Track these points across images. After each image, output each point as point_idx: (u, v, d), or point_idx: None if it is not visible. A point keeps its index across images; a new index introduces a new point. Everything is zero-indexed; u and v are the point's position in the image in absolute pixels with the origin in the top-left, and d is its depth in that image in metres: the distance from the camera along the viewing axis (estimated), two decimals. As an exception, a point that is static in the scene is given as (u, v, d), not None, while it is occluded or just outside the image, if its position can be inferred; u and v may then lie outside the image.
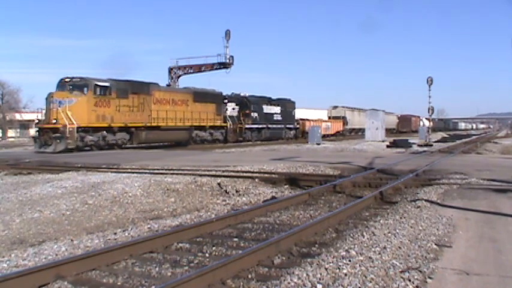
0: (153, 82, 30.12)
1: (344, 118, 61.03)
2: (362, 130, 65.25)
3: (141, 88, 28.52)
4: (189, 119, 31.90)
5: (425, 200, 8.53)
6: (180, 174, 12.88)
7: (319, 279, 4.40)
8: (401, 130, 75.67)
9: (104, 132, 25.73)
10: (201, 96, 33.58)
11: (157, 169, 14.41)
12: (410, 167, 14.09)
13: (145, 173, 13.53)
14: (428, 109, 35.89)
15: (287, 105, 46.19)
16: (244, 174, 13.07)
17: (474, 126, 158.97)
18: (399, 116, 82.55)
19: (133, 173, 13.54)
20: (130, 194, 10.22)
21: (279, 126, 43.91)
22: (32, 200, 9.56)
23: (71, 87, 24.82)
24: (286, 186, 11.76)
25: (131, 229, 7.27)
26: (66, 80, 25.18)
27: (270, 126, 42.10)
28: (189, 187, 11.25)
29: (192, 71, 44.76)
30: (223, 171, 13.59)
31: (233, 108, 38.43)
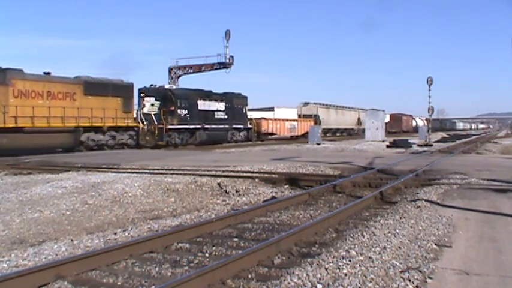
0: (14, 68, 22.42)
1: (316, 117, 52.31)
2: (340, 131, 58.66)
3: None
4: (75, 117, 24.23)
5: (425, 200, 8.53)
6: (180, 174, 12.88)
7: (319, 279, 4.40)
8: (391, 130, 68.32)
9: None
10: (97, 87, 25.75)
11: (157, 169, 14.41)
12: (410, 167, 14.09)
13: (145, 173, 13.53)
14: (429, 109, 35.90)
15: (235, 101, 37.39)
16: (244, 174, 13.07)
17: (474, 126, 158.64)
18: (389, 115, 74.85)
19: (133, 173, 13.55)
20: (130, 194, 10.22)
21: (223, 126, 35.45)
22: (32, 200, 9.57)
23: None
24: (286, 186, 11.76)
25: (131, 229, 7.27)
26: None
27: (208, 126, 33.63)
28: (189, 187, 11.25)
29: (192, 71, 44.91)
30: (223, 171, 13.59)
31: (152, 105, 30.73)
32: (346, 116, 62.21)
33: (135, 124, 28.33)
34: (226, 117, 35.92)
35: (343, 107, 63.10)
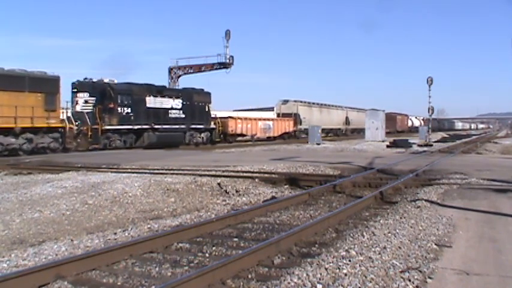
0: None
1: (296, 115, 48.21)
2: (326, 131, 52.27)
3: None
4: None
5: (425, 200, 8.53)
6: (180, 174, 12.88)
7: (319, 279, 4.40)
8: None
9: None
10: (8, 81, 21.25)
11: (157, 169, 14.41)
12: (410, 167, 14.09)
13: (145, 173, 13.53)
14: (428, 109, 35.97)
15: (195, 98, 32.95)
16: (244, 174, 13.07)
17: (473, 126, 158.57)
18: None
19: (133, 173, 13.54)
20: (130, 194, 10.22)
21: (178, 126, 31.04)
22: (32, 200, 9.56)
23: None
24: (286, 186, 11.76)
25: (131, 229, 7.27)
26: None
27: (159, 126, 29.40)
28: (189, 187, 11.25)
29: (192, 71, 44.85)
30: (223, 171, 13.59)
31: (86, 101, 26.27)
32: (332, 115, 57.78)
33: (59, 125, 23.77)
34: (183, 116, 31.60)
35: (328, 105, 58.60)
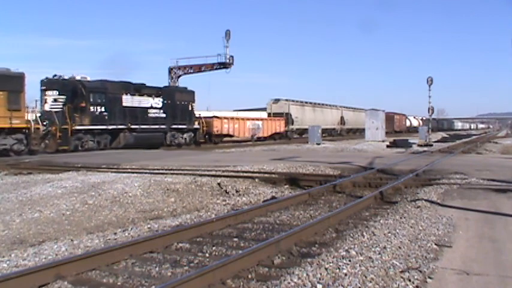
0: None
1: (288, 115, 46.59)
2: None
3: None
4: None
5: (426, 200, 8.53)
6: (180, 174, 12.88)
7: (319, 279, 4.40)
8: None
9: None
10: None
11: (157, 169, 14.41)
12: (411, 167, 14.09)
13: (145, 173, 13.53)
14: (429, 109, 36.00)
15: (177, 97, 31.58)
16: (244, 174, 13.07)
17: (473, 126, 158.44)
18: None
19: (133, 173, 13.55)
20: (130, 194, 10.22)
21: (158, 126, 29.70)
22: (32, 200, 9.57)
23: None
24: (286, 186, 11.76)
25: (131, 229, 7.27)
26: None
27: (136, 126, 27.95)
28: (189, 187, 11.25)
29: (192, 71, 44.87)
30: (223, 171, 13.59)
31: (55, 100, 24.78)
32: (326, 114, 56.14)
33: (24, 125, 22.03)
34: (164, 115, 30.19)
35: (322, 104, 56.97)
